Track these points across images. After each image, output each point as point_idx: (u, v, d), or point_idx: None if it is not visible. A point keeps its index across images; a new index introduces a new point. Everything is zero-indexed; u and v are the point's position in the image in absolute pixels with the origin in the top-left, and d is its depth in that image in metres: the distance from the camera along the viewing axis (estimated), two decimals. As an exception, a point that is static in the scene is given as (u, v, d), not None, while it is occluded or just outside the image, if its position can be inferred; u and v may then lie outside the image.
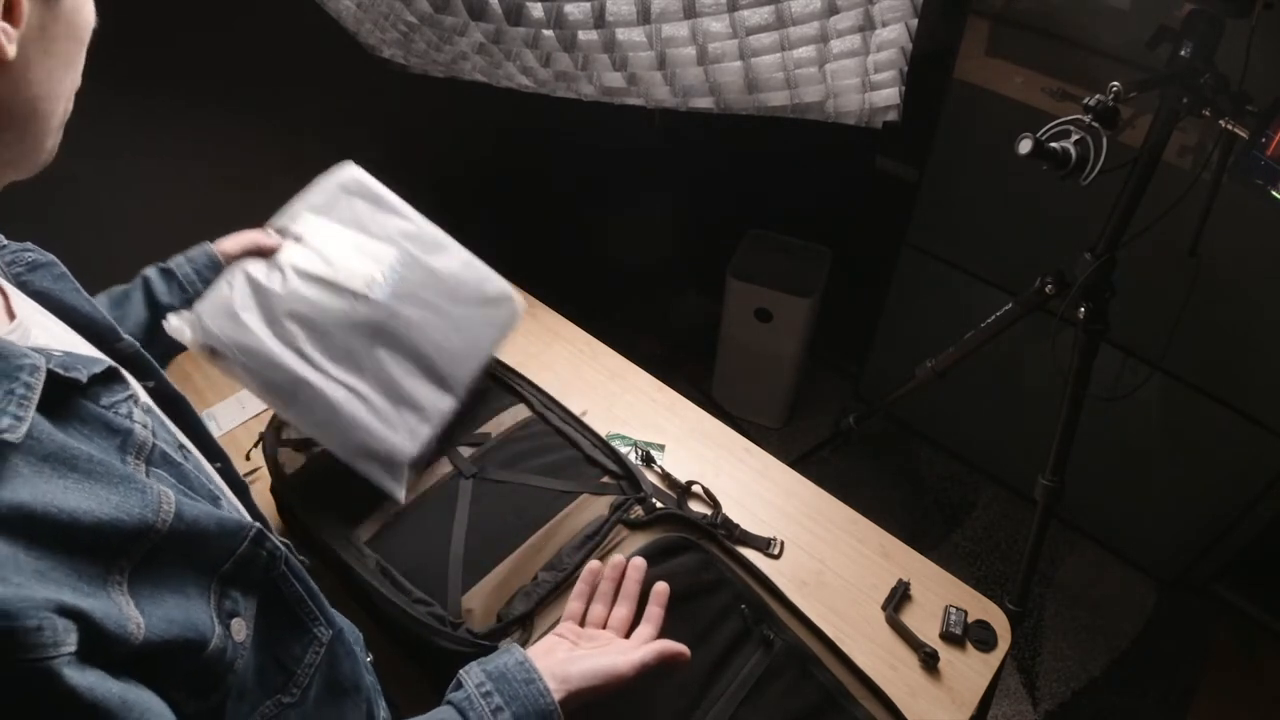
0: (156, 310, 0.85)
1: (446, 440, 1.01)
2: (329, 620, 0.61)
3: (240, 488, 0.68)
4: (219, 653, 0.47)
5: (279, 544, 0.54)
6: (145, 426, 0.48)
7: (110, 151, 1.04)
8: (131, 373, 0.57)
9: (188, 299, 0.87)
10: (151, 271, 0.87)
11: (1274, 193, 1.02)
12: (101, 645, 0.38)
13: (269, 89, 1.25)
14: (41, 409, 0.40)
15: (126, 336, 0.58)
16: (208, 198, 1.26)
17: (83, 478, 0.41)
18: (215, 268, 0.90)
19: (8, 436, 0.37)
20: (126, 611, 0.40)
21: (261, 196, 1.34)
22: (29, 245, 0.58)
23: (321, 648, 0.59)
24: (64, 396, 0.44)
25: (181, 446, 0.53)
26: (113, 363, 0.48)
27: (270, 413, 1.05)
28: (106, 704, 0.38)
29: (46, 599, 0.36)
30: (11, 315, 0.48)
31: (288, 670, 0.55)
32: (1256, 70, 1.01)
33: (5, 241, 0.58)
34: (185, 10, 1.05)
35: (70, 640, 0.36)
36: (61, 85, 0.43)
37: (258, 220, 1.35)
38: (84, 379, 0.44)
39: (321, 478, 0.99)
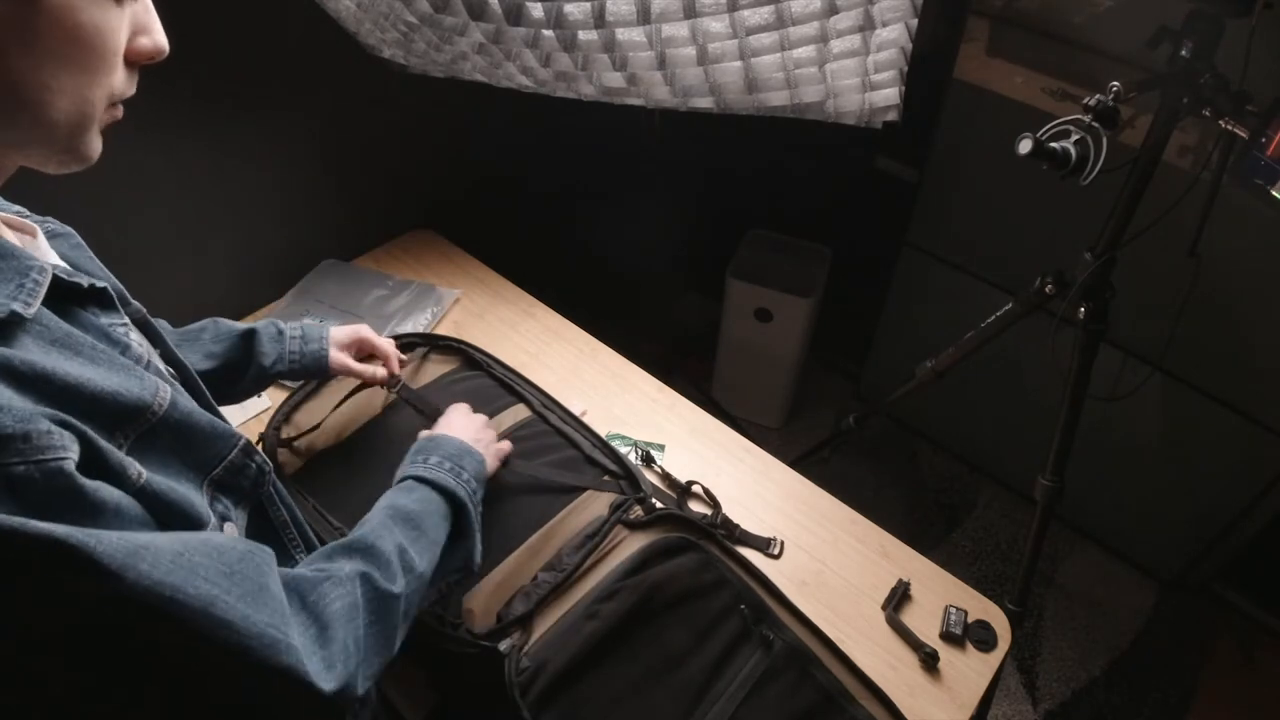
0: (254, 361, 0.90)
1: (419, 409, 1.02)
2: (309, 545, 0.68)
3: None
4: None
5: (266, 460, 0.60)
6: (141, 346, 0.53)
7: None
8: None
9: (279, 371, 0.92)
10: (265, 328, 0.92)
11: (1274, 193, 1.02)
12: (101, 468, 0.44)
13: (269, 89, 1.25)
14: (49, 308, 0.46)
15: (134, 302, 0.62)
16: (208, 197, 1.26)
17: (87, 361, 0.47)
18: (318, 358, 0.95)
19: (20, 310, 0.44)
20: (128, 460, 0.46)
21: (262, 196, 1.34)
22: (49, 218, 0.62)
23: None
24: (71, 306, 0.50)
25: (173, 375, 0.58)
26: (109, 286, 0.54)
27: (270, 412, 1.05)
28: (110, 503, 0.43)
29: (53, 414, 0.41)
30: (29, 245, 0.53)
31: None
32: (1256, 70, 1.01)
33: (28, 214, 0.61)
34: (184, 9, 1.05)
35: (74, 448, 0.41)
36: (58, 82, 0.44)
37: (257, 219, 1.36)
38: (85, 285, 0.51)
39: (321, 477, 0.99)
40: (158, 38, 0.49)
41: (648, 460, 1.13)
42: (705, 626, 0.86)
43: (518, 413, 1.07)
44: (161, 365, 0.57)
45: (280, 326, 0.94)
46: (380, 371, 1.02)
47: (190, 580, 0.44)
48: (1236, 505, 1.61)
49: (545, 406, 1.08)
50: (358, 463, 1.01)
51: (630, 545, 0.90)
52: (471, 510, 0.77)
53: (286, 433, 1.04)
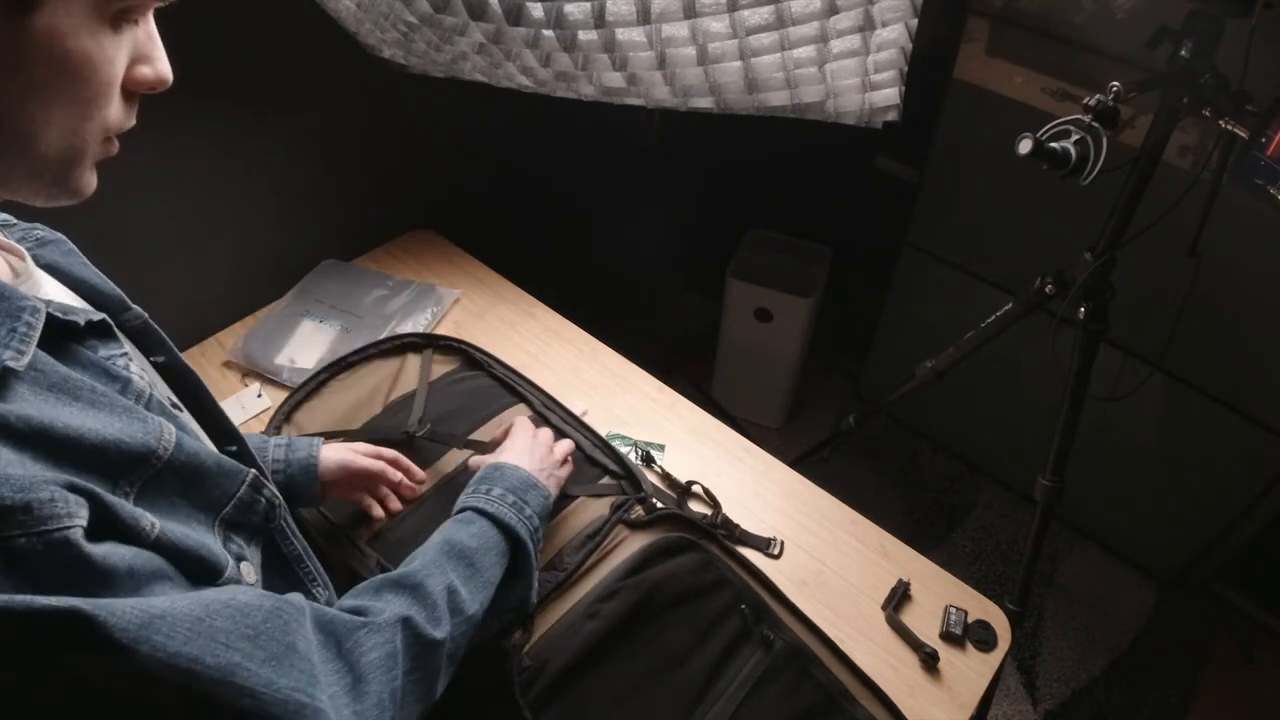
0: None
1: (447, 440, 1.01)
2: (326, 582, 0.65)
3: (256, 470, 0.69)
4: (235, 584, 0.49)
5: (276, 494, 0.57)
6: (142, 378, 0.51)
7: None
8: (139, 345, 0.60)
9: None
10: (256, 438, 0.83)
11: (1274, 193, 1.02)
12: (113, 528, 0.41)
13: (269, 88, 1.25)
14: (45, 348, 0.44)
15: (134, 307, 0.60)
16: (207, 196, 1.26)
17: (86, 405, 0.44)
18: (307, 469, 0.84)
19: (11, 364, 0.40)
20: (139, 511, 0.43)
21: (262, 196, 1.34)
22: (37, 225, 0.60)
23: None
24: (64, 341, 0.47)
25: (175, 404, 0.56)
26: (106, 317, 0.51)
27: (270, 412, 1.05)
28: (121, 569, 0.40)
29: (57, 477, 0.39)
30: (19, 273, 0.51)
31: None
32: (1256, 70, 1.01)
33: (14, 221, 0.59)
34: (185, 10, 1.05)
35: (81, 514, 0.38)
36: (47, 115, 0.41)
37: (257, 219, 1.35)
38: (81, 323, 0.48)
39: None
40: (160, 67, 0.46)
41: (648, 460, 1.13)
42: (705, 626, 0.86)
43: (518, 413, 1.07)
44: (164, 394, 0.55)
45: (265, 436, 0.86)
46: (377, 510, 0.89)
47: (210, 649, 0.41)
48: (1236, 505, 1.61)
49: (546, 407, 1.08)
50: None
51: (631, 545, 0.90)
52: (531, 548, 0.75)
53: (288, 431, 1.04)
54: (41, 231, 0.59)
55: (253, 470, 0.54)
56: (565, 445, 0.93)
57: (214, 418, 0.64)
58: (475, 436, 1.02)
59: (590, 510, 0.94)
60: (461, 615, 0.63)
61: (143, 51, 0.45)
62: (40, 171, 0.43)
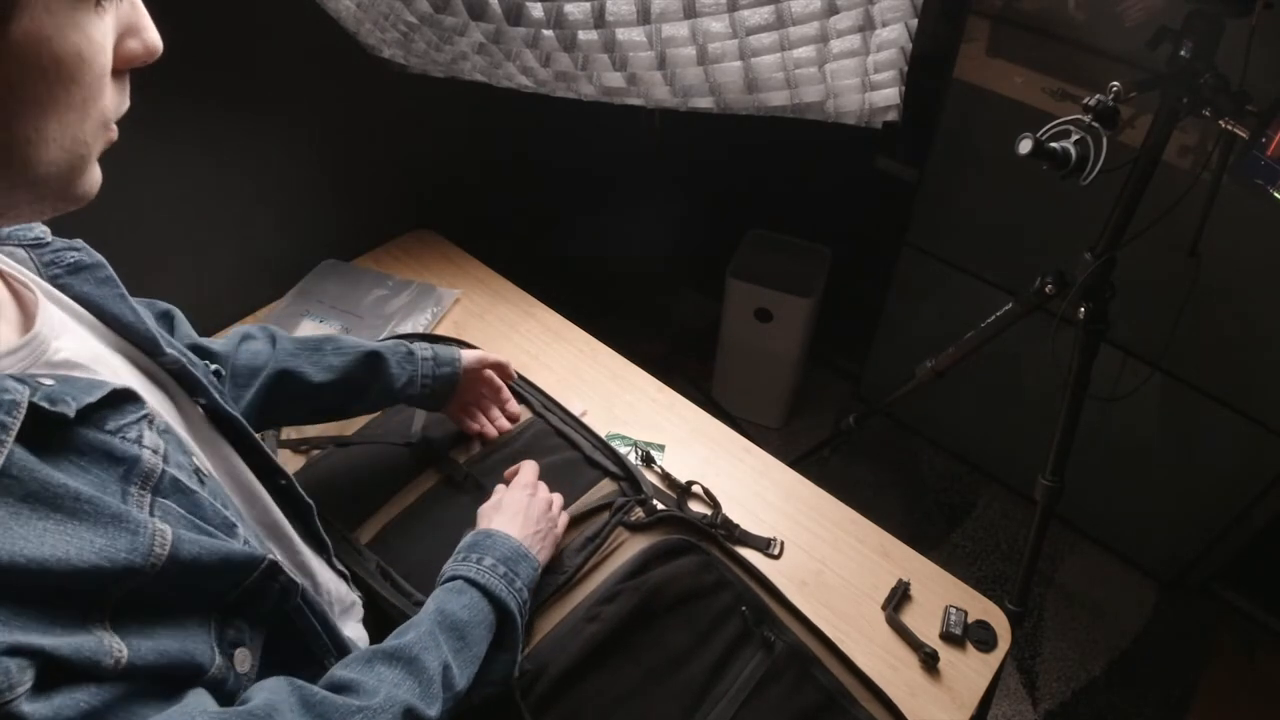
0: (379, 380, 0.88)
1: (447, 441, 1.01)
2: (341, 649, 0.61)
3: (303, 508, 0.67)
4: (217, 682, 0.46)
5: (293, 579, 0.53)
6: (156, 451, 0.45)
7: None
8: (182, 388, 0.57)
9: (410, 395, 0.90)
10: (392, 348, 0.89)
11: (1274, 193, 1.02)
12: (67, 676, 0.37)
13: (269, 89, 1.25)
14: (32, 442, 0.38)
15: (170, 351, 0.56)
16: (208, 197, 1.26)
17: (65, 518, 0.38)
18: (452, 380, 0.93)
19: None
20: (106, 644, 0.39)
21: (262, 196, 1.34)
22: (76, 243, 0.55)
23: None
24: (56, 428, 0.41)
25: (198, 471, 0.51)
26: (122, 384, 0.46)
27: (270, 413, 1.05)
28: (75, 718, 0.36)
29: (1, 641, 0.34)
30: (31, 326, 0.46)
31: None
32: (1256, 70, 1.01)
33: (50, 239, 0.54)
34: (185, 10, 1.05)
35: (26, 678, 0.34)
36: (41, 133, 0.36)
37: (257, 219, 1.35)
38: (71, 413, 0.41)
39: (321, 479, 0.99)
40: (148, 37, 0.41)
41: (648, 460, 1.12)
42: (706, 628, 0.86)
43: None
44: (187, 459, 0.50)
45: (409, 347, 0.91)
46: (475, 425, 0.99)
47: None
48: (1236, 505, 1.61)
49: (545, 407, 1.08)
50: (362, 466, 1.01)
51: (631, 547, 0.90)
52: (520, 622, 0.73)
53: (286, 434, 1.04)
54: (78, 254, 0.54)
55: (269, 557, 0.50)
56: (559, 505, 0.90)
57: (257, 454, 0.62)
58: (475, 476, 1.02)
59: (590, 512, 0.94)
60: (451, 692, 0.62)
61: (128, 23, 0.40)
62: (44, 193, 0.39)
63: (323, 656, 0.59)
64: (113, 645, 0.39)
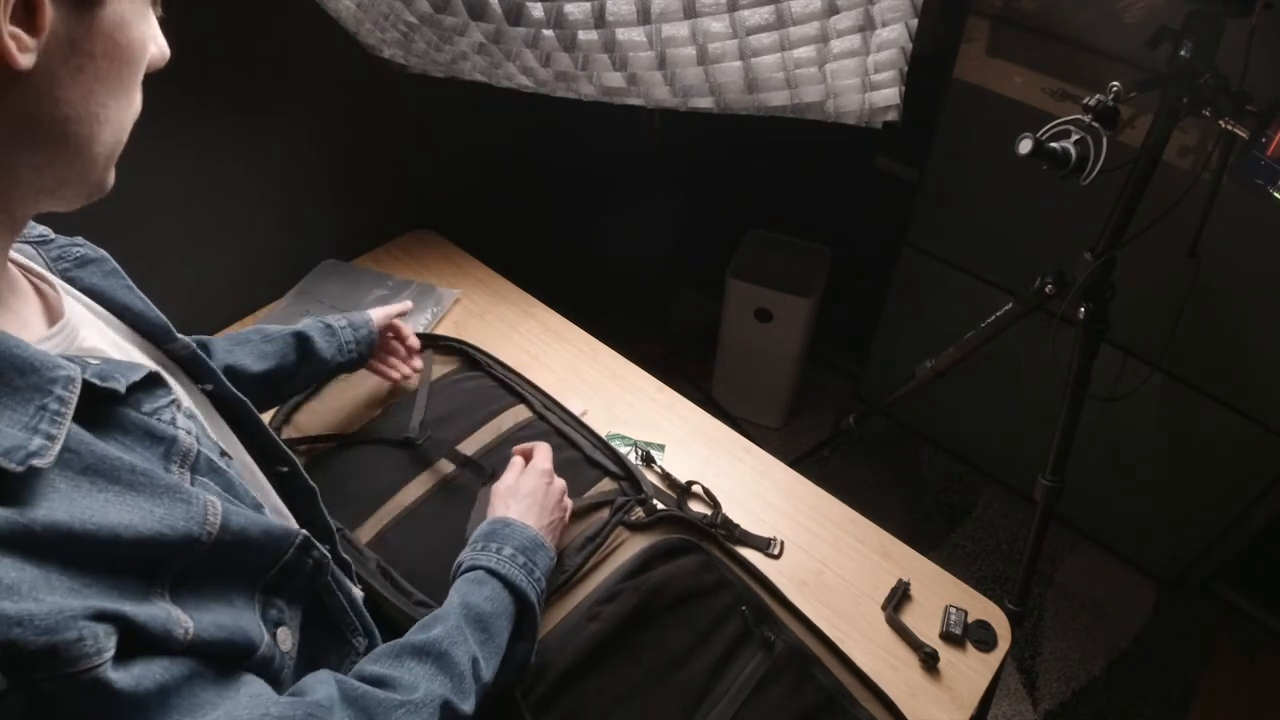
0: (309, 359, 0.93)
1: (447, 441, 1.01)
2: (368, 630, 0.62)
3: (307, 492, 0.67)
4: (266, 661, 0.47)
5: (324, 552, 0.54)
6: (189, 433, 0.47)
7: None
8: (189, 375, 0.58)
9: (341, 364, 0.97)
10: (313, 326, 0.95)
11: (1274, 193, 1.02)
12: (144, 645, 0.38)
13: (269, 89, 1.25)
14: (81, 419, 0.39)
15: (181, 337, 0.58)
16: (208, 197, 1.26)
17: (124, 490, 0.39)
18: (371, 341, 1.01)
19: (37, 461, 0.35)
20: (173, 615, 0.40)
21: (262, 196, 1.34)
22: (78, 240, 0.56)
23: (358, 658, 0.60)
24: (103, 406, 0.42)
25: (224, 453, 0.52)
26: (154, 368, 0.47)
27: (272, 412, 1.05)
28: (153, 691, 0.38)
29: (84, 607, 0.35)
30: (57, 316, 0.47)
31: None
32: (1256, 70, 1.01)
33: (53, 236, 0.56)
34: (185, 10, 1.05)
35: (110, 644, 0.36)
36: (105, 111, 0.39)
37: (257, 219, 1.35)
38: (122, 389, 0.43)
39: (321, 479, 0.98)
40: (163, 43, 0.44)
41: (648, 460, 1.12)
42: (706, 628, 0.86)
43: (518, 413, 1.07)
44: (213, 441, 0.52)
45: (326, 321, 0.97)
46: (395, 373, 1.07)
47: None
48: (1236, 505, 1.61)
49: (545, 407, 1.08)
50: (361, 466, 1.01)
51: (631, 547, 0.90)
52: (539, 611, 0.73)
53: (288, 433, 1.04)
54: (82, 249, 0.55)
55: (303, 532, 0.51)
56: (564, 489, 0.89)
57: (263, 441, 0.63)
58: (475, 436, 1.02)
59: (590, 512, 0.94)
60: (481, 684, 0.62)
61: (152, 30, 0.43)
62: (88, 174, 0.40)
63: (351, 636, 0.60)
64: (180, 617, 0.40)
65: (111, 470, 0.39)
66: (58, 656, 0.33)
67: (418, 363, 1.09)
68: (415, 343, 1.09)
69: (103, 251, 0.56)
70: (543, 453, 0.89)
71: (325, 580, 0.55)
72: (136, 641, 0.37)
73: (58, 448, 0.37)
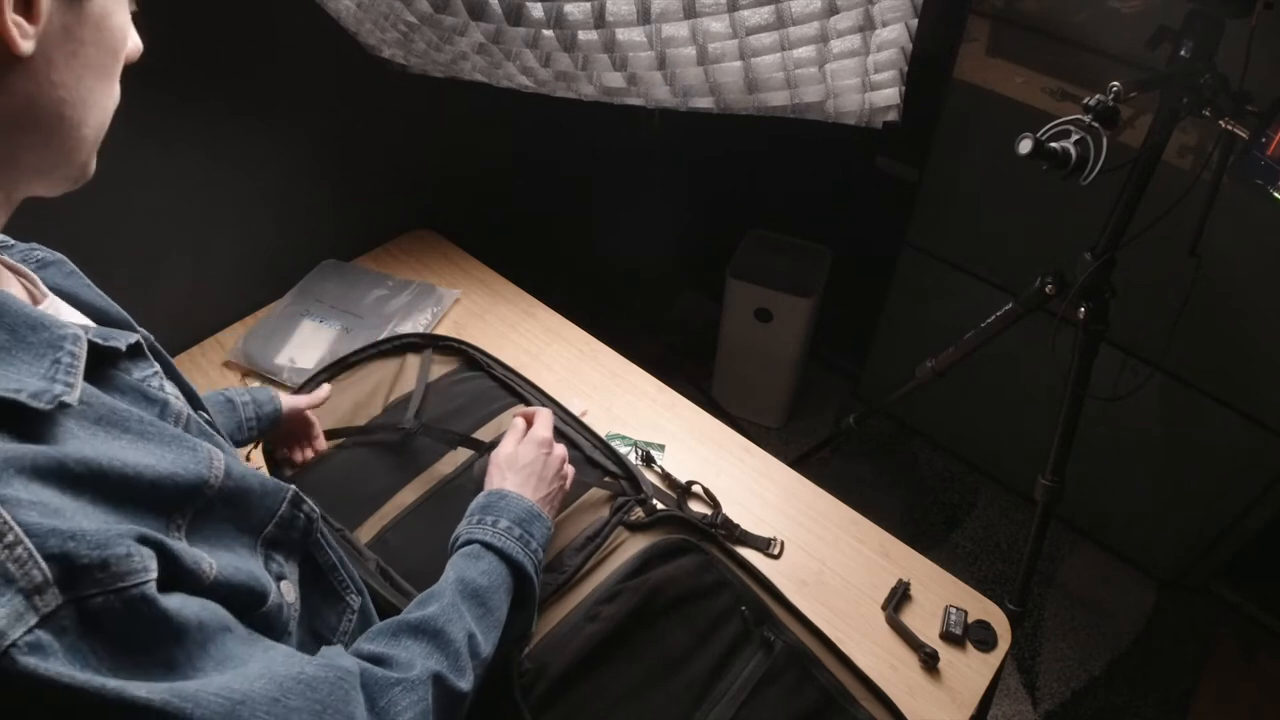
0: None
1: (447, 442, 1.01)
2: (359, 587, 0.64)
3: None
4: (277, 610, 0.49)
5: (314, 507, 0.56)
6: (178, 399, 0.49)
7: (105, 151, 1.03)
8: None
9: (238, 440, 0.88)
10: (212, 399, 0.87)
11: (1274, 193, 1.02)
12: (178, 578, 0.40)
13: (269, 89, 1.25)
14: (87, 377, 0.42)
15: (141, 329, 0.58)
16: (207, 197, 1.26)
17: (136, 438, 0.42)
18: (274, 419, 0.92)
19: (66, 398, 0.38)
20: (196, 551, 0.42)
21: (261, 196, 1.34)
22: (35, 245, 0.57)
23: (354, 615, 0.62)
24: (103, 368, 0.45)
25: (211, 425, 0.55)
26: (139, 338, 0.49)
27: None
28: (192, 622, 0.39)
29: (130, 529, 0.37)
30: (39, 300, 0.49)
31: (325, 642, 0.57)
32: (1256, 70, 1.01)
33: (11, 242, 0.57)
34: (186, 10, 1.05)
35: (154, 566, 0.38)
36: (93, 95, 0.42)
37: (257, 219, 1.35)
38: (123, 347, 0.46)
39: (321, 479, 0.99)
40: (136, 36, 0.46)
41: (648, 460, 1.12)
42: (706, 628, 0.86)
43: (518, 414, 1.07)
44: (200, 413, 0.54)
45: (224, 395, 0.89)
46: (307, 455, 0.99)
47: None
48: (1236, 505, 1.61)
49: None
50: (360, 467, 1.01)
51: (631, 547, 0.90)
52: (536, 583, 0.74)
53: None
54: (41, 253, 0.56)
55: (292, 487, 0.53)
56: (568, 478, 0.89)
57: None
58: (475, 436, 1.02)
59: (590, 512, 0.94)
60: (479, 659, 0.62)
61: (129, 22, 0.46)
62: (74, 158, 0.43)
63: (344, 593, 0.62)
64: (203, 554, 0.42)
65: (122, 420, 0.42)
66: (109, 571, 0.35)
67: (321, 444, 1.01)
68: (323, 444, 1.01)
69: (60, 254, 0.58)
70: (544, 420, 0.88)
71: (315, 537, 0.57)
72: (171, 572, 0.39)
73: (77, 392, 0.39)
